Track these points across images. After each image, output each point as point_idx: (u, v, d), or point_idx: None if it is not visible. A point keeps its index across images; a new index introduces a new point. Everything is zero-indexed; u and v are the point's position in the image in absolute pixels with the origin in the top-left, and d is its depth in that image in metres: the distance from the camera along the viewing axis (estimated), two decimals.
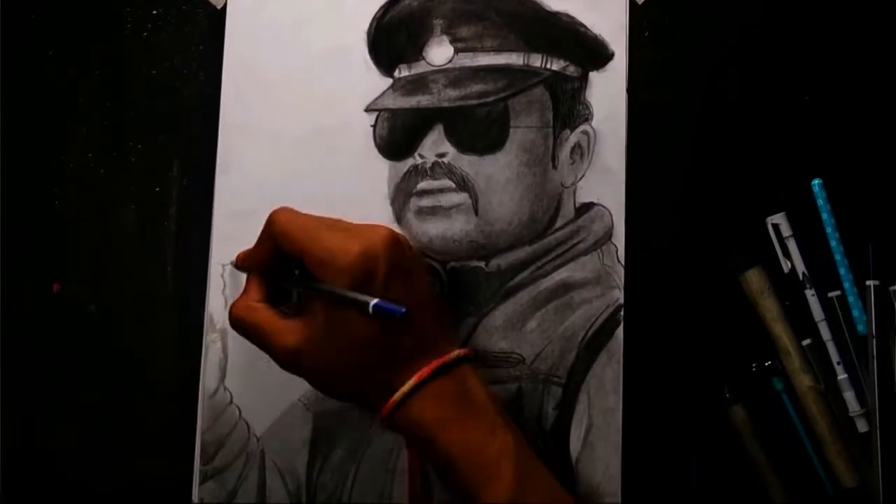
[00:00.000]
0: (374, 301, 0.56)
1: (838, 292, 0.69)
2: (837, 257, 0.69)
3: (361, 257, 0.57)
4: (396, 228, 0.70)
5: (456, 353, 0.59)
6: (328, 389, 0.62)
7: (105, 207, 0.72)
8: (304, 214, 0.63)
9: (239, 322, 0.62)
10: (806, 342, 0.70)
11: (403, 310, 0.56)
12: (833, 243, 0.69)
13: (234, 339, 0.67)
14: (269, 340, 0.60)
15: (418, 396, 0.58)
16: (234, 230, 0.70)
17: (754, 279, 0.69)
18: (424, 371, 0.58)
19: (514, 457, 0.57)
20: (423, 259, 0.68)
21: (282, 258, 0.62)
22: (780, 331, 0.69)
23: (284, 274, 0.63)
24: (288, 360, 0.60)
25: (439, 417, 0.58)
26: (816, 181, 0.70)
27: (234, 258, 0.66)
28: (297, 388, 0.68)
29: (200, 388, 0.70)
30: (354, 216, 0.66)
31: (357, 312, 0.57)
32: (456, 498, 0.59)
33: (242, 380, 0.70)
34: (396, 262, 0.58)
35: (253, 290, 0.63)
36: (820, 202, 0.69)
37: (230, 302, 0.65)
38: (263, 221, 0.63)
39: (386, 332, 0.57)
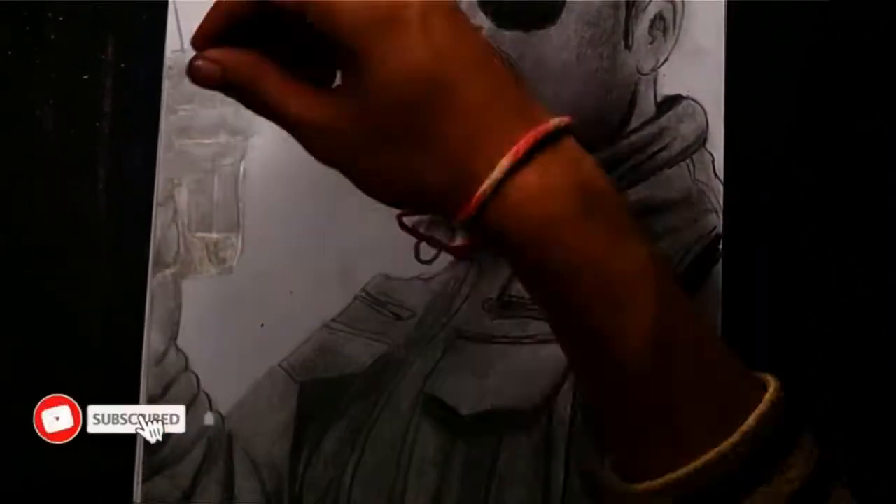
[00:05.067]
0: None
1: None
2: None
3: None
4: None
5: (557, 120, 0.50)
6: (380, 189, 0.53)
7: (15, 103, 0.69)
8: None
9: (233, 81, 0.52)
10: None
11: None
12: None
13: (192, 281, 0.65)
14: (285, 110, 0.51)
15: (516, 183, 0.49)
16: (190, 131, 0.66)
17: None
18: (521, 145, 0.49)
19: (654, 275, 0.49)
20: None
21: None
22: None
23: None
24: (315, 143, 0.52)
25: (548, 213, 0.49)
26: None
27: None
28: (278, 349, 0.64)
29: (144, 348, 0.66)
30: None
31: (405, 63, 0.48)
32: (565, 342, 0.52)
33: (201, 337, 0.66)
34: None
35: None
36: None
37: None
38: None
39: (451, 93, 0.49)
